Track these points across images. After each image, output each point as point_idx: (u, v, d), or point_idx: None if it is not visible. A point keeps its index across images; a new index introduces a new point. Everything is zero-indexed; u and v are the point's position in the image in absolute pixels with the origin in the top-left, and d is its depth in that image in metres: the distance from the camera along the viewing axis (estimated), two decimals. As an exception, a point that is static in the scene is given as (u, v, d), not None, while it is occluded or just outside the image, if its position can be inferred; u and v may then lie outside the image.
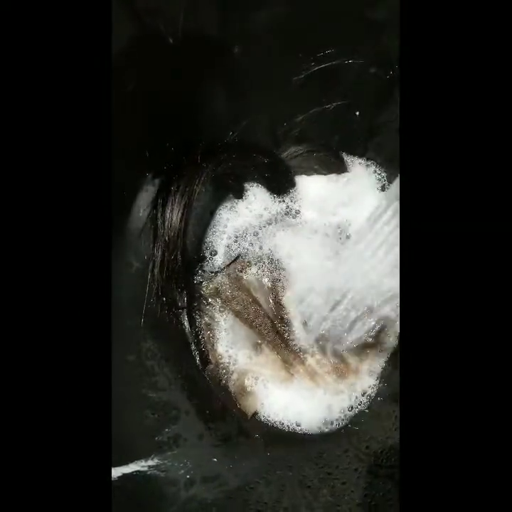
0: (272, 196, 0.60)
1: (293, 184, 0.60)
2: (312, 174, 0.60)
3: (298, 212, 0.59)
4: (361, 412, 0.53)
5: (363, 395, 0.54)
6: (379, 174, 0.59)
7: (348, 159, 0.60)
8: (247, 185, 0.60)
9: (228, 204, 0.60)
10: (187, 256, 0.56)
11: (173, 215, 0.53)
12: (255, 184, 0.60)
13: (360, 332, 0.54)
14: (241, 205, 0.60)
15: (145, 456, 0.43)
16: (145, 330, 0.50)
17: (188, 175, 0.54)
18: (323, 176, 0.60)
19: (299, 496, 0.45)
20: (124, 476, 0.40)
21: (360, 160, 0.60)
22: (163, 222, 0.53)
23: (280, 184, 0.59)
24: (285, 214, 0.59)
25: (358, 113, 0.56)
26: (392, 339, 0.54)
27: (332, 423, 0.52)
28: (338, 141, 0.58)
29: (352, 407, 0.53)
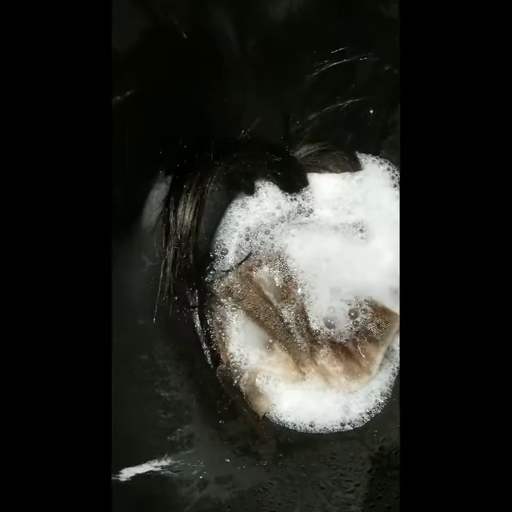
0: (284, 194, 0.59)
1: (306, 183, 0.59)
2: (325, 173, 0.60)
3: (311, 210, 0.59)
4: (375, 413, 0.52)
5: (376, 396, 0.53)
6: (392, 172, 0.58)
7: (362, 158, 0.59)
8: (258, 184, 0.60)
9: (240, 202, 0.60)
10: (199, 255, 0.55)
11: (186, 213, 0.53)
12: (267, 182, 0.60)
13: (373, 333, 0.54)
14: (252, 202, 0.60)
15: (158, 456, 0.42)
16: (157, 329, 0.50)
17: (201, 173, 0.54)
18: (336, 175, 0.59)
19: (313, 497, 0.44)
20: (138, 476, 0.40)
21: (373, 158, 0.59)
22: (176, 220, 0.53)
23: (292, 183, 0.59)
24: (298, 212, 0.59)
25: (372, 111, 0.55)
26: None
27: (345, 424, 0.52)
28: (351, 139, 0.58)
29: (366, 408, 0.53)
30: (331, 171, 0.59)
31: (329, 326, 0.55)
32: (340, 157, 0.59)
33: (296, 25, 0.50)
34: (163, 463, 0.42)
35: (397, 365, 0.54)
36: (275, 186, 0.59)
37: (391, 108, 0.54)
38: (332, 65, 0.52)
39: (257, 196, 0.60)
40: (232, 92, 0.53)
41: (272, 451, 0.48)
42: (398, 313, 0.53)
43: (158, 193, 0.52)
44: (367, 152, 0.59)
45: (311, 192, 0.59)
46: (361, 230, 0.58)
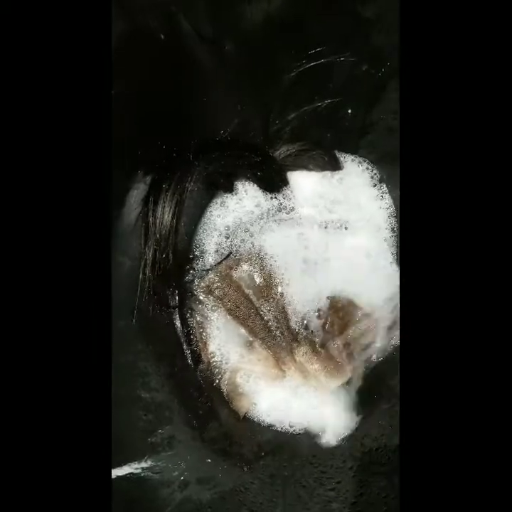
0: (264, 193, 0.59)
1: (286, 182, 0.59)
2: (305, 172, 0.60)
3: (292, 209, 0.59)
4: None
5: (355, 393, 0.54)
6: (371, 171, 0.59)
7: (341, 157, 0.60)
8: (238, 183, 0.60)
9: (219, 201, 0.60)
10: (178, 255, 0.55)
11: (165, 213, 0.53)
12: (247, 182, 0.59)
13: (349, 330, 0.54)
14: (232, 201, 0.59)
15: (139, 458, 0.42)
16: (137, 330, 0.49)
17: (180, 173, 0.54)
18: (317, 173, 0.59)
19: (294, 496, 0.45)
20: (118, 478, 0.40)
21: (352, 157, 0.59)
22: (155, 220, 0.52)
23: (272, 182, 0.59)
24: (278, 210, 0.59)
25: (350, 111, 0.55)
26: (379, 338, 0.54)
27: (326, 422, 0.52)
28: (330, 138, 0.58)
29: (345, 406, 0.53)
30: (310, 170, 0.59)
31: (307, 324, 0.55)
32: (320, 156, 0.59)
33: (274, 25, 0.50)
34: (144, 464, 0.42)
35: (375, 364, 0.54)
36: (255, 185, 0.59)
37: (369, 108, 0.55)
38: (310, 65, 0.53)
39: (236, 195, 0.60)
40: (211, 92, 0.53)
41: (254, 450, 0.48)
42: (361, 305, 0.54)
43: (137, 193, 0.52)
44: (346, 151, 0.59)
45: (291, 191, 0.59)
46: (343, 227, 0.58)
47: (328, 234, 0.58)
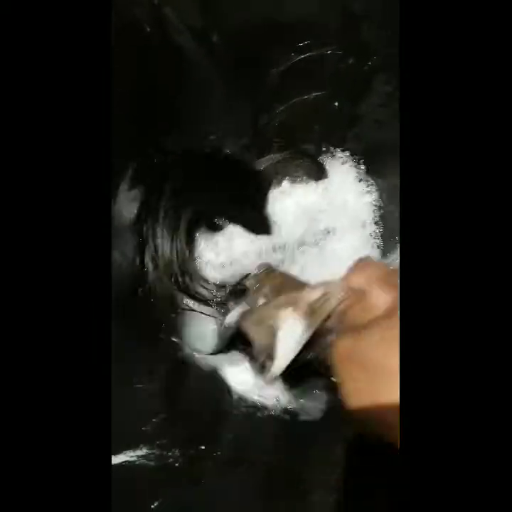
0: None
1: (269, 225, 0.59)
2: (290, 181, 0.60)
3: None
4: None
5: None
6: (357, 166, 0.60)
7: (327, 160, 0.61)
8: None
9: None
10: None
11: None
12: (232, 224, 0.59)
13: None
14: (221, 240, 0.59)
15: (134, 446, 0.43)
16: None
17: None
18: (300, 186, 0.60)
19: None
20: (114, 466, 0.41)
21: (340, 153, 0.60)
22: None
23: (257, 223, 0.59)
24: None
25: (336, 103, 0.56)
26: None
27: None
28: (318, 131, 0.59)
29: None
30: (296, 179, 0.60)
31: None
32: (306, 165, 0.60)
33: (261, 19, 0.51)
34: (139, 452, 0.43)
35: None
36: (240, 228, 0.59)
37: (355, 101, 0.56)
38: (298, 58, 0.53)
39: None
40: (198, 87, 0.54)
41: (246, 427, 0.49)
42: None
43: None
44: (333, 144, 0.60)
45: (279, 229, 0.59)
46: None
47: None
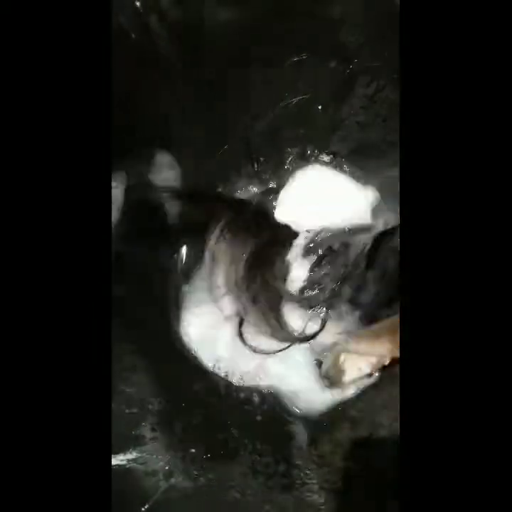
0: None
1: None
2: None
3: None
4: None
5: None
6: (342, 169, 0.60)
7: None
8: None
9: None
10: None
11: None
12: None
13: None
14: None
15: (124, 449, 0.43)
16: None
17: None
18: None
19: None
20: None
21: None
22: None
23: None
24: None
25: (319, 107, 0.57)
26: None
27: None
28: (302, 134, 0.59)
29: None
30: None
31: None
32: None
33: (243, 25, 0.52)
34: (129, 456, 0.43)
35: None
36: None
37: (338, 104, 0.56)
38: (281, 63, 0.54)
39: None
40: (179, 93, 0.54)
41: (237, 438, 0.49)
42: None
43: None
44: (318, 147, 0.60)
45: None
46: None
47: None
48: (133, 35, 0.49)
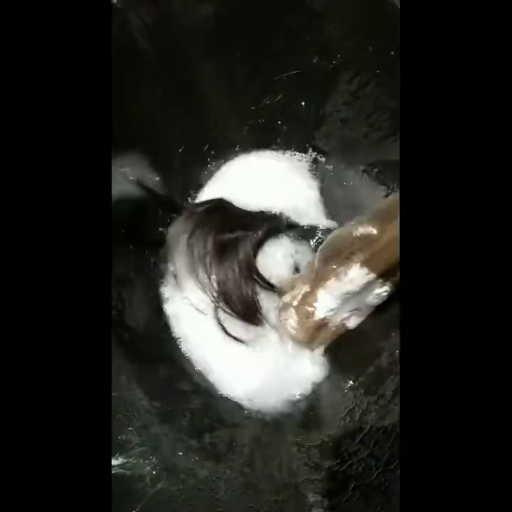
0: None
1: None
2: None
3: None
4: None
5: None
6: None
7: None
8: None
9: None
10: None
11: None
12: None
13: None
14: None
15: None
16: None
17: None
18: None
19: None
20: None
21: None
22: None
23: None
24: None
25: (303, 103, 0.56)
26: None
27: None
28: (286, 131, 0.59)
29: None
30: None
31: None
32: None
33: (225, 19, 0.51)
34: (115, 462, 0.42)
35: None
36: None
37: (322, 100, 0.56)
38: (264, 60, 0.54)
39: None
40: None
41: (225, 439, 0.49)
42: None
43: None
44: (303, 143, 0.60)
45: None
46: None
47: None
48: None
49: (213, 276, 0.55)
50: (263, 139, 0.60)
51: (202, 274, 0.55)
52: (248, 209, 0.59)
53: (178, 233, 0.57)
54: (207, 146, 0.59)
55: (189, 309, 0.57)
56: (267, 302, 0.56)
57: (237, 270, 0.55)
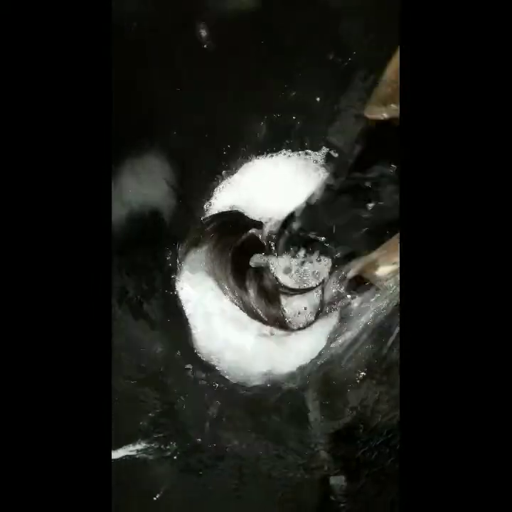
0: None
1: None
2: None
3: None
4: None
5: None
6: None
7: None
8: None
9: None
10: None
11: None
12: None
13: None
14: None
15: (132, 440, 0.44)
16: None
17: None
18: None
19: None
20: (114, 461, 0.42)
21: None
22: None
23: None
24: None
25: (318, 99, 0.57)
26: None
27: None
28: (300, 125, 0.59)
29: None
30: None
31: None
32: None
33: (244, 16, 0.51)
34: (138, 447, 0.44)
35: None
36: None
37: (336, 95, 0.56)
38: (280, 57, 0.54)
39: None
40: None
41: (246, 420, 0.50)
42: None
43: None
44: (314, 137, 0.61)
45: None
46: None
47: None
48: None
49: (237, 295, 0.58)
50: (278, 135, 0.60)
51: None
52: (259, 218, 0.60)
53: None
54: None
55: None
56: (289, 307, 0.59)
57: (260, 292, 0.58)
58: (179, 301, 0.58)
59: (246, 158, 0.61)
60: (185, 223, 0.60)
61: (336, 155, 0.61)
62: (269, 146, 0.61)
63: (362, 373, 0.52)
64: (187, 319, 0.57)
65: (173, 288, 0.58)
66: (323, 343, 0.56)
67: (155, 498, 0.41)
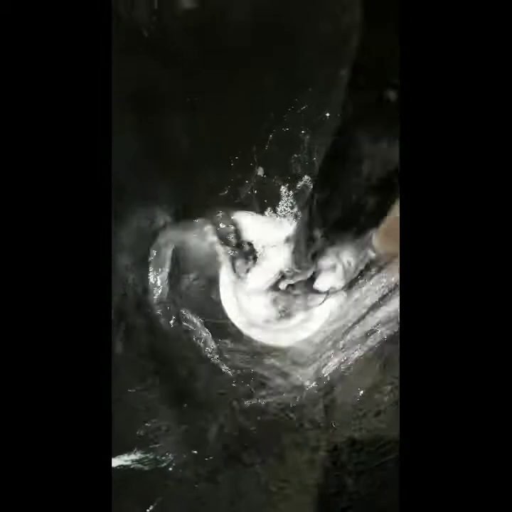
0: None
1: None
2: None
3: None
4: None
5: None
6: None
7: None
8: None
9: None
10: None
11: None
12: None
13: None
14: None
15: (128, 450, 0.44)
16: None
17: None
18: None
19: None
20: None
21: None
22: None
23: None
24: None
25: (328, 114, 0.57)
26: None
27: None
28: (309, 140, 0.60)
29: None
30: None
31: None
32: None
33: (255, 28, 0.51)
34: (133, 457, 0.43)
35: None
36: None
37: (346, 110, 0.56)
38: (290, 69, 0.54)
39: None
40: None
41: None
42: None
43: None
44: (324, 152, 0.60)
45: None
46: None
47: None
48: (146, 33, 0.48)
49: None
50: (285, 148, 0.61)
51: None
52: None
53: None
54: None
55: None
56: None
57: None
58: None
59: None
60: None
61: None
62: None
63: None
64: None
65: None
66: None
67: (148, 510, 0.41)
